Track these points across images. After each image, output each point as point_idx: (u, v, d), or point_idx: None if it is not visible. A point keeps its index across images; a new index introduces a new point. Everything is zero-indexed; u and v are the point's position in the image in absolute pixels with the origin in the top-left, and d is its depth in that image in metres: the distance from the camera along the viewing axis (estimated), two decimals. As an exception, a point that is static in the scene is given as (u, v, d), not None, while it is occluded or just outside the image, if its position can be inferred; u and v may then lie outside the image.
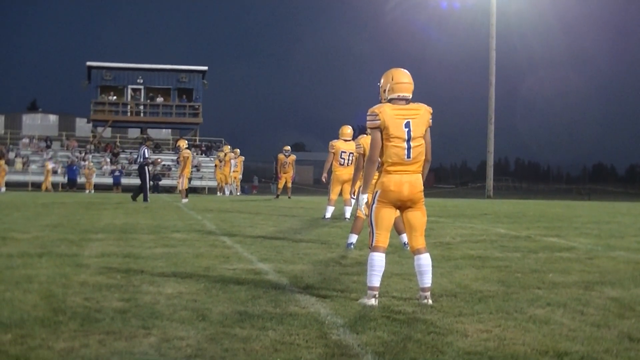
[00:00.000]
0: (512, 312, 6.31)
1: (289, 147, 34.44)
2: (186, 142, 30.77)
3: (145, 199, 27.01)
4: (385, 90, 7.03)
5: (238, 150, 40.51)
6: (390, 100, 6.92)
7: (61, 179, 49.38)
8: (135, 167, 29.49)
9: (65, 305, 6.17)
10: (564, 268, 9.43)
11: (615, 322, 6.03)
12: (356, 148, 11.70)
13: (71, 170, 48.46)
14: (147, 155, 28.09)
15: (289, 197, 33.61)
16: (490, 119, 52.47)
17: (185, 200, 26.77)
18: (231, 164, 39.09)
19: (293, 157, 34.36)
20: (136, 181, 51.45)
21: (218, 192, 40.59)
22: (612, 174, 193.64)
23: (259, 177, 68.91)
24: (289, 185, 34.00)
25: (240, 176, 41.41)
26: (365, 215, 7.17)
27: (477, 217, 20.94)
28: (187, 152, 28.42)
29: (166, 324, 5.55)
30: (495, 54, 52.77)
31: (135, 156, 29.13)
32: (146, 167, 28.03)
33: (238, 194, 40.16)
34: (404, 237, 10.98)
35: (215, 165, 42.47)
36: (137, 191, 27.88)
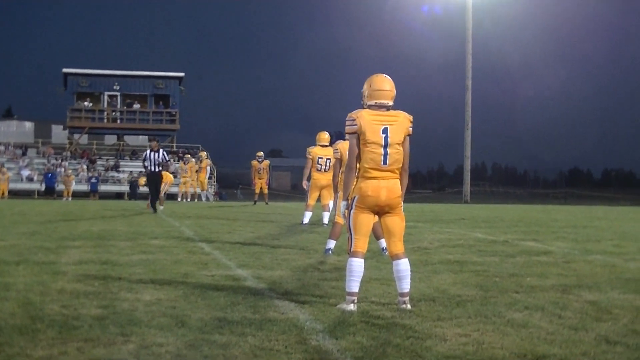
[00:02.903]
0: (491, 316, 6.34)
1: (262, 153, 34.37)
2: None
3: (153, 208, 24.00)
4: (365, 96, 7.05)
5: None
6: (370, 107, 6.93)
7: (37, 186, 49.06)
8: (142, 169, 24.48)
9: (43, 312, 6.14)
10: (542, 272, 9.49)
11: (593, 325, 6.08)
12: (334, 153, 11.71)
13: (48, 178, 48.12)
14: (167, 158, 24.53)
15: (266, 203, 33.57)
16: (467, 123, 52.70)
17: (161, 207, 26.58)
18: (207, 170, 39.00)
19: (267, 162, 34.33)
20: (113, 189, 51.75)
21: (180, 198, 40.37)
22: (587, 178, 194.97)
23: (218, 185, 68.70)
24: (265, 191, 33.92)
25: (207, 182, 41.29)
26: (345, 221, 7.18)
27: (455, 222, 21.00)
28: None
29: (145, 330, 5.53)
30: (472, 59, 53.02)
31: (157, 162, 23.42)
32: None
33: (211, 200, 40.07)
34: (383, 243, 11.01)
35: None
36: (154, 200, 24.22)
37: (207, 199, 39.53)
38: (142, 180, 30.10)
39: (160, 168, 23.79)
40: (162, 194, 27.13)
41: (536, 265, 10.21)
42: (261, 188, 33.76)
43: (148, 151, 23.76)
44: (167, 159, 23.85)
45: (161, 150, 23.95)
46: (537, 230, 17.87)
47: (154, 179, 23.91)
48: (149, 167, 23.60)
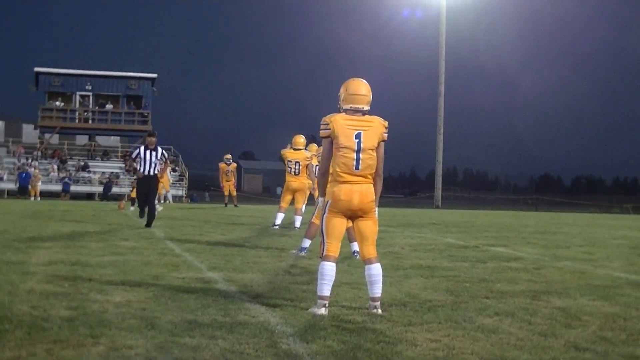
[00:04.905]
0: (461, 322, 6.36)
1: (230, 155, 34.46)
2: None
3: (142, 214, 17.99)
4: (341, 100, 7.04)
5: None
6: (345, 111, 6.93)
7: (6, 185, 48.60)
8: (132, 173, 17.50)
9: (11, 313, 6.07)
10: (512, 278, 9.54)
11: (562, 331, 6.11)
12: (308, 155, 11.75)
13: (22, 177, 47.67)
14: (166, 157, 18.52)
15: (236, 206, 33.52)
16: (439, 128, 52.89)
17: (132, 208, 26.36)
18: (167, 171, 38.96)
19: (234, 164, 34.42)
20: (84, 189, 51.29)
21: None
22: (558, 184, 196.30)
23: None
24: (234, 193, 33.93)
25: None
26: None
27: (426, 227, 21.08)
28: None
29: (115, 332, 5.50)
30: (445, 64, 53.24)
31: (154, 163, 17.43)
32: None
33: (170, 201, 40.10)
34: (355, 246, 11.05)
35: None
36: (151, 211, 17.70)
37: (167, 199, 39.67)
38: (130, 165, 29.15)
39: (157, 171, 17.74)
40: (133, 194, 26.62)
41: (506, 271, 10.26)
42: (229, 190, 33.78)
43: (142, 149, 17.63)
44: (167, 157, 18.57)
45: (159, 148, 17.80)
46: (507, 235, 17.97)
47: (148, 184, 17.53)
48: (141, 170, 17.41)
